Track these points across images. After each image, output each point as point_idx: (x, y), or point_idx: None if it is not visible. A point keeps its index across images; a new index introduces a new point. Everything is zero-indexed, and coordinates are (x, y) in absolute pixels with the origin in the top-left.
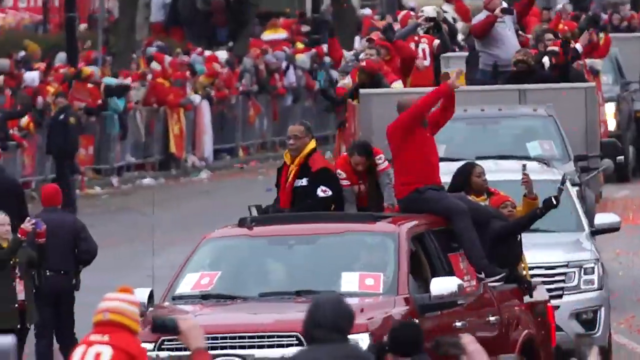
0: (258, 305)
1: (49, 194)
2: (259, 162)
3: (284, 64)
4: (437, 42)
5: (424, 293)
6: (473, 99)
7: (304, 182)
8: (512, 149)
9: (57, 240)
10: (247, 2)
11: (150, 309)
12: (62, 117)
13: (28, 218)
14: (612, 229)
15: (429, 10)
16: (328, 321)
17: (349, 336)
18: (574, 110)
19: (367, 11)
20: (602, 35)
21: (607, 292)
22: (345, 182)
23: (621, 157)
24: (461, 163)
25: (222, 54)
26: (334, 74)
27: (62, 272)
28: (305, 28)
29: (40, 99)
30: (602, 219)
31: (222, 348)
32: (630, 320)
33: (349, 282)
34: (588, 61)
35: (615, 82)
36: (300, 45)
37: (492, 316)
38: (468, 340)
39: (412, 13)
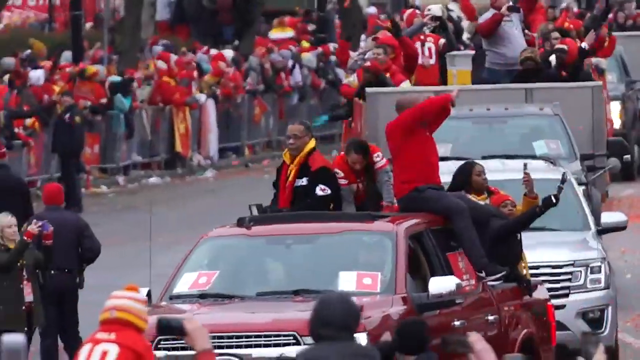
0: (256, 305)
1: (51, 192)
2: (270, 160)
3: (290, 63)
4: (442, 41)
5: (422, 292)
6: (479, 98)
7: (304, 181)
8: (519, 148)
9: (60, 239)
10: (254, 0)
11: (148, 308)
12: (67, 116)
13: (35, 220)
14: (619, 227)
15: (436, 9)
16: (335, 319)
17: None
18: (581, 109)
19: (373, 10)
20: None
21: (614, 291)
22: (343, 181)
23: (628, 156)
24: None
25: (228, 53)
26: (340, 72)
27: (65, 270)
28: (311, 27)
29: (46, 98)
30: (609, 217)
31: (220, 347)
32: (637, 319)
33: (347, 281)
34: (593, 60)
35: (620, 80)
36: (306, 44)
37: (491, 315)
38: (475, 339)
39: (417, 12)
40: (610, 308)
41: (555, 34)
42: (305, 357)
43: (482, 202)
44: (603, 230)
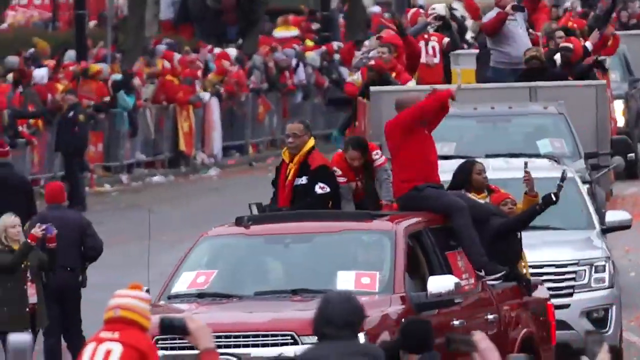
0: (254, 304)
1: (53, 191)
2: (274, 158)
3: (293, 62)
4: (446, 40)
5: (421, 291)
6: (483, 97)
7: (303, 180)
8: (523, 146)
9: (62, 237)
10: (258, 0)
11: None
12: (71, 114)
13: (39, 224)
14: (623, 226)
15: (440, 8)
16: (339, 318)
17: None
18: (585, 108)
19: (377, 9)
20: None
21: (618, 290)
22: (341, 179)
23: (632, 155)
24: None
25: (232, 52)
26: (344, 71)
27: (68, 268)
28: (315, 26)
29: (49, 97)
30: (613, 216)
31: (218, 347)
32: None
33: (345, 280)
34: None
35: (623, 79)
36: (310, 43)
37: (491, 314)
38: (480, 338)
39: (421, 11)
40: (614, 307)
41: (560, 33)
42: (309, 356)
43: (482, 201)
44: (607, 229)
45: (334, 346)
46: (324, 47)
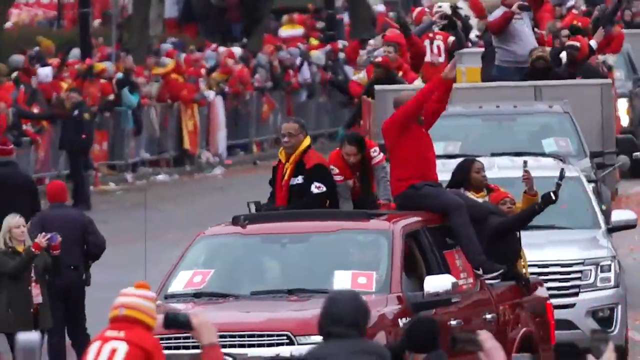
0: (250, 304)
1: (55, 190)
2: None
3: (298, 60)
4: (451, 38)
5: (418, 291)
6: (489, 96)
7: (299, 179)
8: (528, 145)
9: (65, 236)
10: None
11: None
12: (76, 113)
13: (43, 233)
14: (629, 226)
15: (445, 7)
16: (344, 317)
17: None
18: (590, 107)
19: (382, 7)
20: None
21: (624, 290)
22: (338, 178)
23: (637, 153)
24: None
25: (236, 50)
26: (348, 70)
27: (71, 267)
28: (320, 24)
29: (54, 95)
30: (619, 215)
31: None
32: None
33: (342, 280)
34: (601, 57)
35: (627, 78)
36: (314, 42)
37: (489, 314)
38: (485, 337)
39: (426, 10)
40: (620, 307)
41: (565, 32)
42: (315, 354)
43: (480, 200)
44: (613, 229)
45: (340, 345)
46: (328, 46)
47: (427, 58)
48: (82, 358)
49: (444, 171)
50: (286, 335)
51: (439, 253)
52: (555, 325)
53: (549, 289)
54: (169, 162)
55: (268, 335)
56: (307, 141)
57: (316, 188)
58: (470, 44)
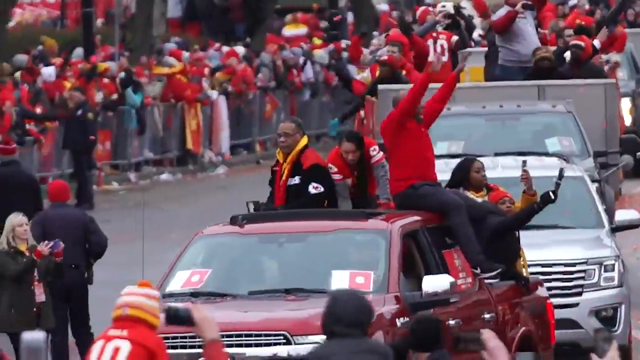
0: (247, 304)
1: (56, 189)
2: None
3: (301, 60)
4: (455, 38)
5: (416, 291)
6: (492, 95)
7: (296, 180)
8: (531, 145)
9: (66, 235)
10: None
11: None
12: (79, 112)
13: (46, 242)
14: (633, 225)
15: (449, 6)
16: (347, 316)
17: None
18: (594, 107)
19: (385, 7)
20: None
21: (628, 289)
22: (337, 177)
23: None
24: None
25: (240, 50)
26: (352, 69)
27: (73, 266)
28: (323, 23)
29: (57, 95)
30: (622, 215)
31: None
32: None
33: (339, 280)
34: (605, 56)
35: (630, 77)
36: (317, 41)
37: (488, 313)
38: (489, 336)
39: (430, 9)
40: (623, 306)
41: (569, 31)
42: (318, 353)
43: (479, 199)
44: (617, 228)
45: (343, 344)
46: (332, 45)
47: (429, 58)
48: (85, 357)
49: (447, 171)
50: (283, 335)
51: (438, 253)
52: (558, 324)
53: (552, 288)
54: (172, 162)
55: (265, 335)
56: (304, 141)
57: (314, 189)
58: (473, 44)
